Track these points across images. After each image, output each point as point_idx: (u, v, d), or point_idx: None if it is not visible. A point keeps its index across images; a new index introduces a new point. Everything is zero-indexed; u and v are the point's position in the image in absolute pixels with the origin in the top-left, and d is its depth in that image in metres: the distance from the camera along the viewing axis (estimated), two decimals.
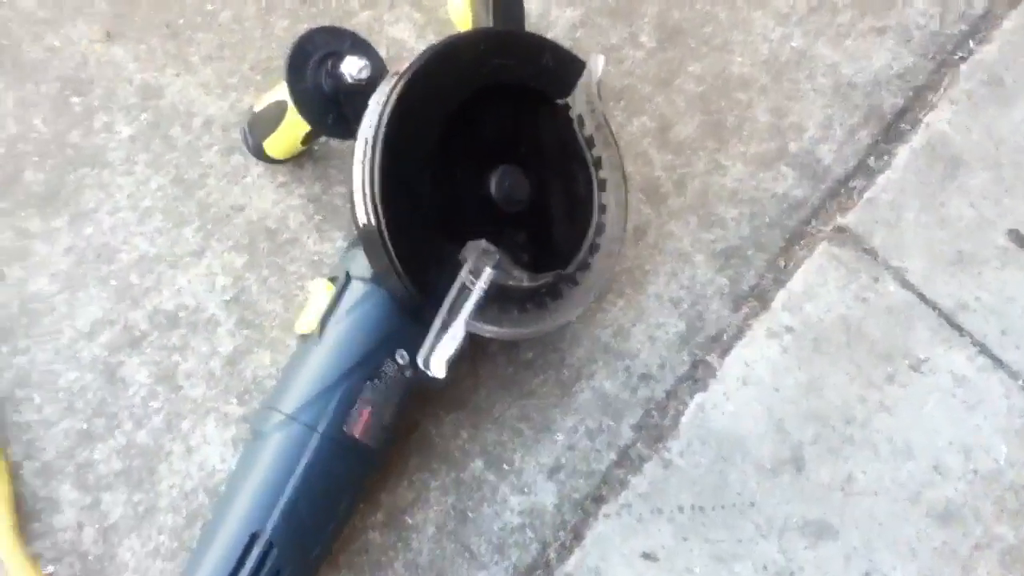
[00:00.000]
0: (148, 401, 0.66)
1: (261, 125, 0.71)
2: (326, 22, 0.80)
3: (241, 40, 0.78)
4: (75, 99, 0.73)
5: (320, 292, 0.62)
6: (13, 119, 0.72)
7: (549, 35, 0.84)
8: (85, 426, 0.65)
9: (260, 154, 0.72)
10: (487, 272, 0.59)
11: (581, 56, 0.69)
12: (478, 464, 0.68)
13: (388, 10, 0.82)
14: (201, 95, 0.75)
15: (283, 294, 0.70)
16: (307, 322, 0.61)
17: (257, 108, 0.71)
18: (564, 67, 0.68)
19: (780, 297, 0.77)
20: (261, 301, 0.70)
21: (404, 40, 0.82)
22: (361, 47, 0.65)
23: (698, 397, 0.72)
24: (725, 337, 0.75)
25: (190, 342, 0.68)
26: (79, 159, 0.72)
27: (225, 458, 0.66)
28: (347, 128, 0.61)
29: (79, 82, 0.74)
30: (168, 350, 0.67)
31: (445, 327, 0.57)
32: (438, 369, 0.56)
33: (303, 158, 0.74)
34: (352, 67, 0.61)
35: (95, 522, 0.64)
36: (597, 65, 0.68)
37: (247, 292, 0.70)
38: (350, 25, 0.80)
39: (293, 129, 0.67)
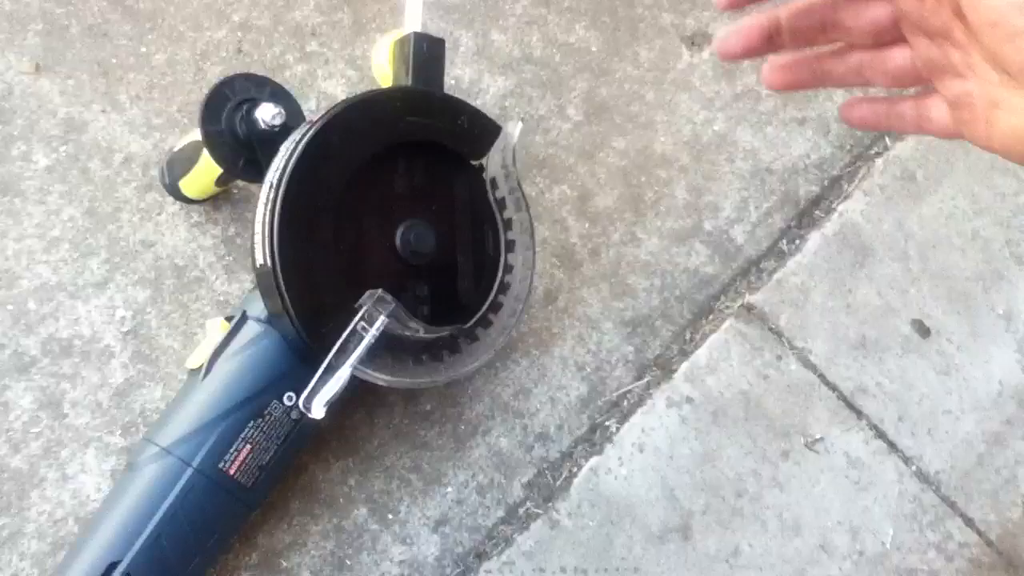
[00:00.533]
0: (29, 427, 0.66)
1: (178, 164, 0.72)
2: (260, 72, 0.83)
3: (172, 83, 0.80)
4: None
5: (215, 329, 0.63)
6: None
7: (479, 102, 0.87)
8: None
9: (176, 193, 0.74)
10: (380, 320, 0.60)
11: (500, 121, 0.71)
12: (362, 511, 0.68)
13: (322, 65, 0.85)
14: (125, 133, 0.77)
15: (183, 331, 0.71)
16: (198, 358, 0.62)
17: (176, 147, 0.73)
18: (481, 130, 0.71)
19: (683, 368, 0.79)
20: (160, 336, 0.70)
21: (335, 95, 0.84)
22: (280, 96, 0.67)
23: (593, 460, 0.73)
24: (626, 403, 0.77)
25: (81, 371, 0.68)
26: None
27: (101, 488, 0.65)
28: (258, 173, 0.63)
29: (1, 111, 0.75)
30: (57, 377, 0.67)
31: (331, 370, 0.57)
32: (318, 411, 0.56)
33: (220, 200, 0.76)
34: (266, 113, 0.63)
35: None
36: (514, 131, 0.71)
37: (146, 326, 0.70)
38: (283, 78, 0.83)
39: (207, 170, 0.68)
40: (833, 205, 0.90)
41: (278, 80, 0.82)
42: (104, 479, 0.65)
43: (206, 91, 0.63)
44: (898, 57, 0.38)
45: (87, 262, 0.71)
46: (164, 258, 0.73)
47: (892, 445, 0.78)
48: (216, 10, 0.84)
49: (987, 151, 0.36)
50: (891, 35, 0.38)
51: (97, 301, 0.70)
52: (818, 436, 0.78)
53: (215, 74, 0.81)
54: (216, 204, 0.75)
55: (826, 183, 0.91)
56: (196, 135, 0.69)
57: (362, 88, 0.85)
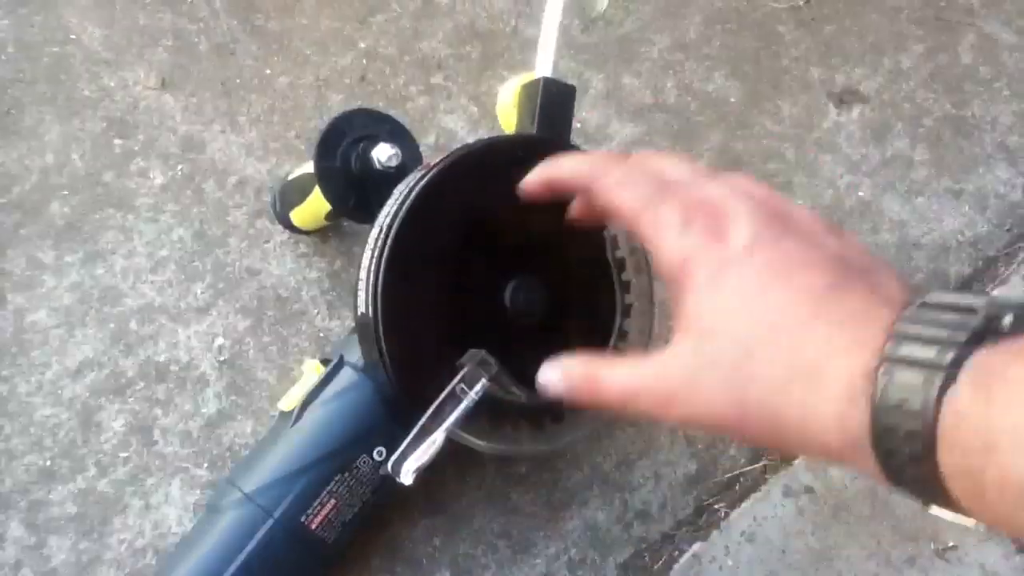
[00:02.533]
0: (118, 450, 0.66)
1: (291, 194, 0.72)
2: (381, 103, 0.82)
3: (292, 107, 0.80)
4: (117, 141, 0.76)
5: (310, 372, 0.61)
6: (52, 151, 0.75)
7: (604, 148, 0.85)
8: (49, 464, 0.65)
9: (286, 222, 0.73)
10: (481, 383, 0.57)
11: None
12: (444, 574, 0.65)
13: (445, 100, 0.84)
14: (241, 155, 0.77)
15: (279, 365, 0.70)
16: (290, 400, 0.61)
17: (291, 176, 0.73)
18: None
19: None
20: (256, 369, 0.70)
21: (455, 131, 0.83)
22: (398, 135, 0.66)
23: (697, 546, 0.69)
24: (738, 487, 0.72)
25: (174, 398, 0.68)
26: (107, 199, 0.74)
27: (183, 522, 0.64)
28: (368, 213, 0.61)
29: (124, 125, 0.77)
30: (150, 402, 0.67)
31: (425, 433, 0.55)
32: (407, 477, 0.54)
33: (329, 232, 0.75)
34: (383, 153, 0.62)
35: (35, 564, 0.63)
36: None
37: (243, 357, 0.70)
38: (405, 110, 0.82)
39: (318, 204, 0.68)
40: (986, 288, 0.83)
41: (399, 111, 0.81)
42: (187, 512, 0.65)
43: (324, 124, 0.63)
44: None
45: (191, 286, 0.72)
46: (268, 287, 0.73)
47: None
48: (344, 36, 0.84)
49: None
50: None
51: (197, 327, 0.70)
52: (951, 544, 0.71)
53: (336, 101, 0.81)
54: (325, 236, 0.75)
55: (980, 263, 0.84)
56: (311, 166, 0.69)
57: (483, 126, 0.83)
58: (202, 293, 0.72)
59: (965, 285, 0.83)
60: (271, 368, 0.70)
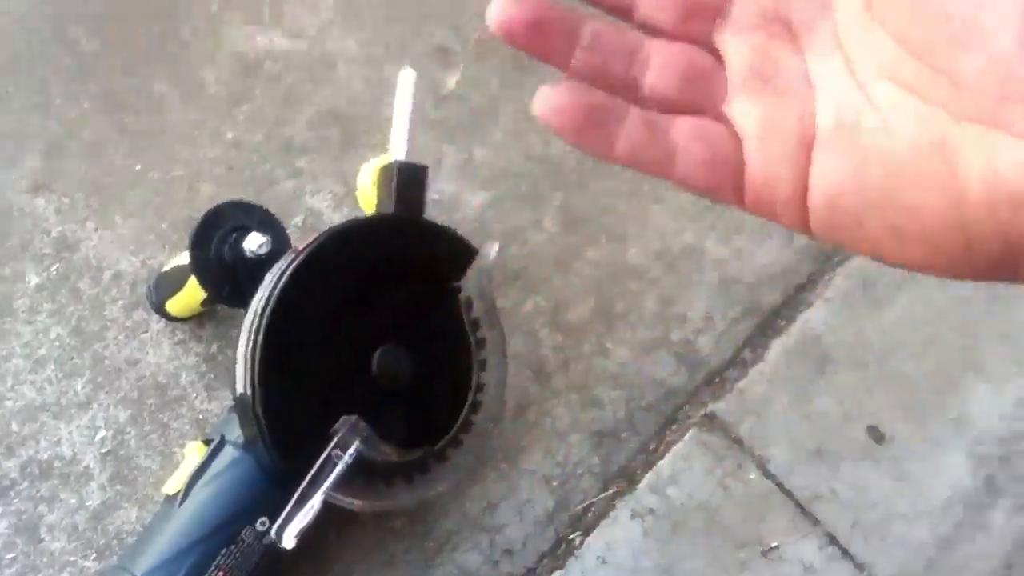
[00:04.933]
0: (4, 552, 0.63)
1: (166, 285, 0.70)
2: (250, 190, 0.81)
3: (164, 200, 0.78)
4: None
5: (193, 454, 0.60)
6: None
7: (459, 215, 0.86)
8: None
9: (162, 312, 0.72)
10: (354, 446, 0.57)
11: (477, 242, 0.69)
12: None
13: (311, 181, 0.83)
14: (115, 250, 0.75)
15: (162, 451, 0.68)
16: (175, 483, 0.59)
17: (166, 268, 0.71)
18: (459, 253, 0.69)
19: (648, 479, 0.76)
20: (139, 457, 0.68)
21: (321, 210, 0.83)
22: (267, 223, 0.66)
23: (555, 575, 0.70)
24: (590, 516, 0.74)
25: (59, 494, 0.65)
26: None
27: None
28: (242, 300, 0.61)
29: None
30: (35, 501, 0.65)
31: (304, 499, 0.55)
32: (289, 541, 0.54)
33: (205, 317, 0.74)
34: (253, 242, 0.61)
35: None
36: (491, 252, 0.69)
37: (126, 447, 0.68)
38: (273, 193, 0.81)
39: (194, 293, 0.67)
40: (795, 314, 0.87)
41: (267, 196, 0.80)
42: None
43: (196, 215, 0.62)
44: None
45: (71, 382, 0.69)
46: (147, 376, 0.71)
47: (845, 552, 0.75)
48: (210, 128, 0.83)
49: (766, 212, 0.25)
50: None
51: (79, 421, 0.68)
52: (774, 544, 0.75)
53: (207, 192, 0.80)
54: (200, 322, 0.73)
55: (790, 292, 0.89)
56: (185, 257, 0.67)
57: (347, 204, 0.83)
58: (82, 388, 0.69)
59: (777, 313, 0.87)
60: (154, 455, 0.68)
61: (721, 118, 0.25)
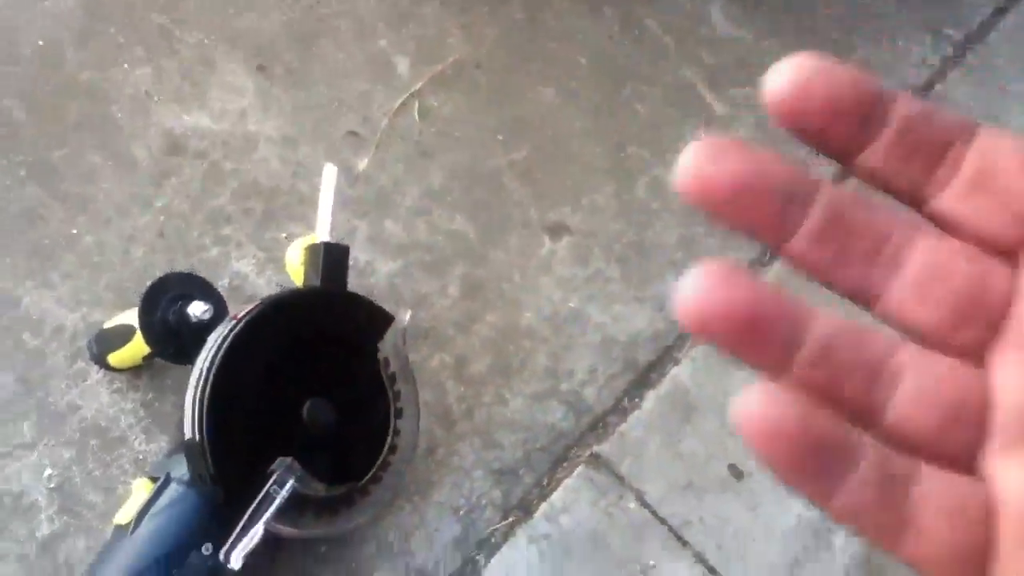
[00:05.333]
0: None
1: (108, 340, 0.79)
2: (180, 255, 0.91)
3: (100, 263, 0.87)
4: None
5: (140, 489, 0.69)
6: None
7: (372, 280, 0.99)
8: None
9: (103, 363, 0.80)
10: (289, 483, 0.68)
11: (392, 309, 0.82)
12: None
13: (235, 248, 0.94)
14: (55, 307, 0.83)
15: (105, 487, 0.76)
16: (125, 514, 0.68)
17: (107, 325, 0.80)
18: (377, 319, 0.81)
19: (543, 509, 0.89)
20: (84, 492, 0.75)
21: (246, 274, 0.93)
22: (207, 292, 0.77)
23: None
24: (493, 540, 0.86)
25: (8, 525, 0.72)
26: None
27: None
28: (186, 357, 0.71)
29: None
30: None
31: (248, 528, 0.65)
32: (236, 562, 0.63)
33: (141, 369, 0.83)
34: (197, 309, 0.72)
35: None
36: (404, 318, 0.82)
37: (71, 483, 0.76)
38: (200, 258, 0.92)
39: (137, 348, 0.76)
40: (666, 370, 1.04)
41: (195, 260, 0.91)
42: None
43: (144, 288, 0.72)
44: None
45: (18, 424, 0.77)
46: (88, 420, 0.79)
47: (713, 570, 0.90)
48: (141, 198, 0.93)
49: None
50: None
51: (27, 459, 0.75)
52: (652, 564, 0.89)
53: (139, 255, 0.90)
54: (137, 372, 0.82)
55: (661, 352, 1.05)
56: (126, 317, 0.77)
57: (269, 268, 0.95)
58: (28, 430, 0.77)
59: (651, 368, 1.04)
60: (98, 490, 0.76)
61: (970, 471, 0.19)
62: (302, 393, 0.74)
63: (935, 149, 0.19)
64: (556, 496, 0.90)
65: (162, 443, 0.80)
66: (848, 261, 0.19)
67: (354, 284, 0.83)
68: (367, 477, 0.77)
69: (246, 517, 0.64)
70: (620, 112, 1.21)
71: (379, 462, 0.79)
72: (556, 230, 1.10)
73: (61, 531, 0.73)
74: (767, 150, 0.19)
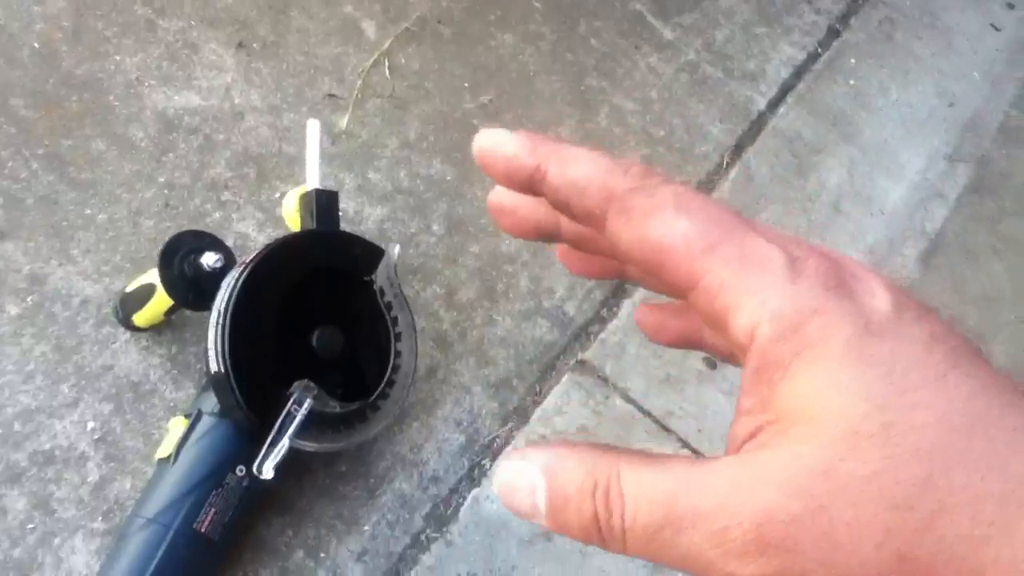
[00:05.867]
0: (25, 524, 0.74)
1: (132, 302, 0.83)
2: (186, 222, 0.95)
3: (114, 236, 0.91)
4: None
5: (177, 426, 0.74)
6: None
7: (362, 227, 1.02)
8: None
9: (129, 324, 0.84)
10: (307, 402, 0.72)
11: (383, 244, 0.85)
12: (299, 554, 0.79)
13: (235, 211, 0.98)
14: (79, 280, 0.87)
15: (143, 433, 0.81)
16: (165, 449, 0.72)
17: (128, 289, 0.84)
18: (370, 254, 0.85)
19: (537, 414, 0.94)
20: (125, 439, 0.80)
21: (248, 234, 0.97)
22: (217, 244, 0.80)
23: (474, 491, 0.87)
24: (495, 445, 0.91)
25: (64, 475, 0.77)
26: None
27: (90, 565, 0.74)
28: (204, 303, 0.75)
29: None
30: (44, 482, 0.76)
31: (274, 443, 0.69)
32: (268, 472, 0.68)
33: (163, 327, 0.87)
34: (210, 259, 0.76)
35: None
36: (394, 252, 0.85)
37: (113, 433, 0.80)
38: (204, 223, 0.95)
39: (160, 304, 0.80)
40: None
41: (201, 224, 0.94)
42: (92, 557, 0.74)
43: (161, 246, 0.75)
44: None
45: (59, 387, 0.81)
46: (122, 377, 0.83)
47: (696, 451, 0.95)
48: (144, 175, 0.96)
49: None
50: None
51: (71, 418, 0.80)
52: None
53: (149, 227, 0.93)
54: (160, 331, 0.86)
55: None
56: (146, 278, 0.81)
57: (269, 226, 0.98)
58: (69, 391, 0.81)
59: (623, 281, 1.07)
60: (137, 436, 0.81)
61: None
62: (311, 323, 0.78)
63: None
64: (548, 402, 0.95)
65: (190, 389, 0.84)
66: None
67: (347, 230, 0.86)
68: (376, 394, 0.81)
69: (272, 434, 0.68)
70: (577, 48, 1.23)
71: (385, 380, 0.83)
72: None
73: (109, 475, 0.78)
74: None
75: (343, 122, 1.09)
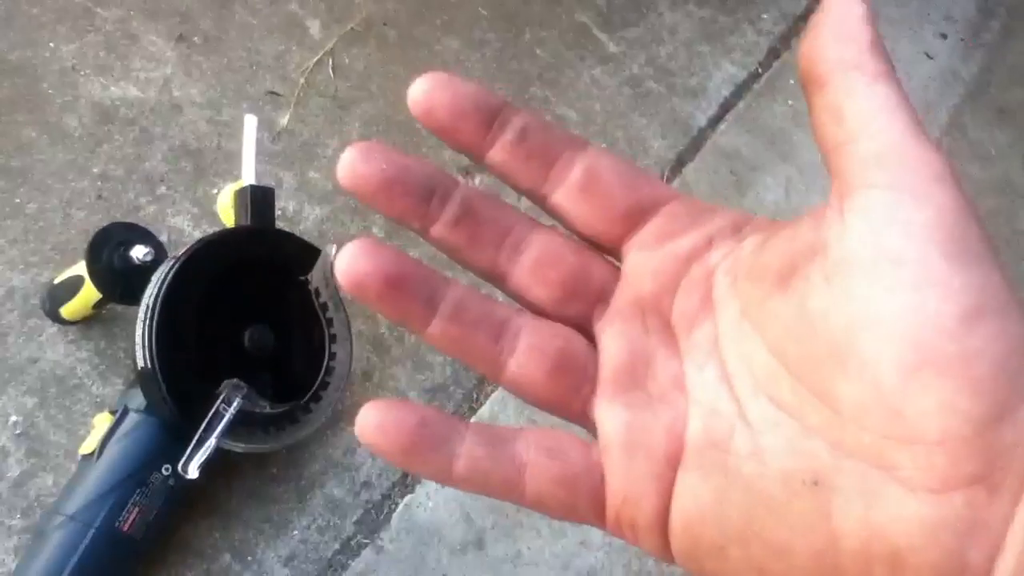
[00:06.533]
0: None
1: (60, 294, 0.82)
2: (118, 215, 0.94)
3: (43, 227, 0.90)
4: None
5: (102, 421, 0.74)
6: None
7: (301, 227, 1.03)
8: None
9: (56, 317, 0.84)
10: (236, 401, 0.73)
11: (320, 245, 0.86)
12: (226, 557, 0.80)
13: (171, 205, 0.97)
14: (6, 270, 0.86)
15: (68, 429, 0.80)
16: (90, 445, 0.72)
17: (57, 280, 0.83)
18: (306, 253, 0.85)
19: (474, 420, 0.95)
20: (48, 434, 0.80)
21: (183, 229, 0.97)
22: (148, 237, 0.80)
23: (407, 498, 0.88)
24: None
25: None
26: None
27: (6, 563, 0.73)
28: (133, 298, 0.75)
29: None
30: None
31: (201, 442, 0.70)
32: (194, 472, 0.68)
33: (92, 321, 0.86)
34: (139, 252, 0.76)
35: None
36: (331, 252, 0.86)
37: (36, 427, 0.79)
38: (138, 217, 0.95)
39: (87, 296, 0.80)
40: None
41: (134, 218, 0.94)
42: (8, 555, 0.74)
43: (90, 236, 0.75)
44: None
45: None
46: (47, 370, 0.82)
47: None
48: (78, 165, 0.95)
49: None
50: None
51: None
52: None
53: (80, 218, 0.92)
54: (88, 324, 0.86)
55: None
56: (75, 270, 0.80)
57: (204, 222, 0.98)
58: None
59: None
60: (60, 432, 0.80)
61: (585, 419, 0.23)
62: (242, 320, 0.78)
63: (549, 155, 0.23)
64: (484, 409, 0.97)
65: (117, 385, 0.84)
66: (479, 247, 0.24)
67: (284, 229, 0.87)
68: (308, 396, 0.82)
69: (199, 433, 0.69)
70: (522, 56, 1.25)
71: (318, 382, 0.84)
72: (469, 169, 1.14)
73: (30, 471, 0.77)
74: (412, 154, 0.23)
75: (284, 120, 1.10)
